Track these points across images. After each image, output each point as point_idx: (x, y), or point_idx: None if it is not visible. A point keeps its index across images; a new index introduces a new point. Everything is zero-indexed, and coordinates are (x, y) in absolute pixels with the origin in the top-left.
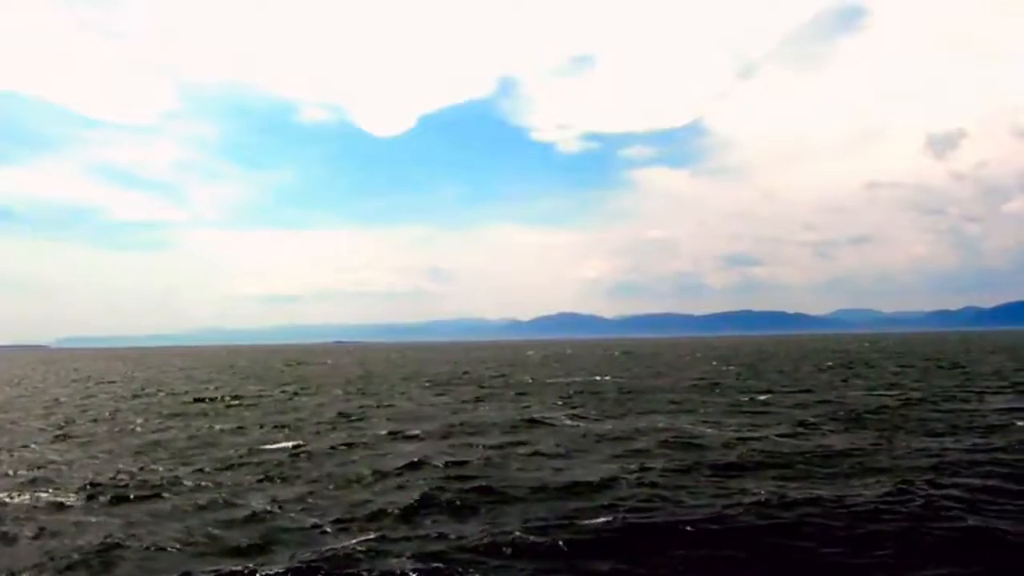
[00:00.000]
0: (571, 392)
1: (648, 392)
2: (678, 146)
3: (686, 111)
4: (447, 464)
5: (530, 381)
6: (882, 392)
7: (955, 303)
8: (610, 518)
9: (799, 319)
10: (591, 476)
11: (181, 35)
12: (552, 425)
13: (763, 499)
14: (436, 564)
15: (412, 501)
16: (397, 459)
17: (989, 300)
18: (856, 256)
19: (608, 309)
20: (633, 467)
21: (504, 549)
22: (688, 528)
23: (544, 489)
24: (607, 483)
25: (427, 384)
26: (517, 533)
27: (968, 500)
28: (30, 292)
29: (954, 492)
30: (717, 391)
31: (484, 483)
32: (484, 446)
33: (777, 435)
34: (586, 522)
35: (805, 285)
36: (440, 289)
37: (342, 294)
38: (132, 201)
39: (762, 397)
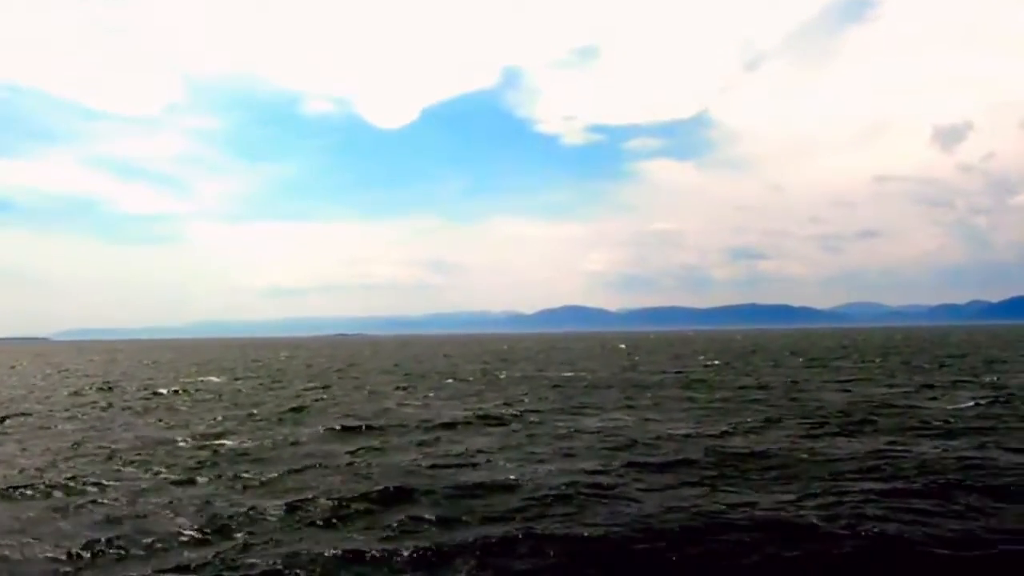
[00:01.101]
0: (540, 386)
1: (619, 387)
2: (684, 138)
3: (692, 103)
4: (354, 463)
5: (503, 377)
6: (850, 388)
7: (962, 297)
8: (507, 525)
9: (805, 312)
10: (503, 476)
11: (184, 27)
12: (501, 422)
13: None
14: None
15: (294, 503)
16: (311, 459)
17: (996, 294)
18: (863, 250)
19: (613, 302)
20: (553, 468)
21: (370, 554)
22: (585, 533)
23: (451, 488)
24: (516, 484)
25: (403, 375)
26: (388, 535)
27: (875, 507)
28: (31, 285)
29: (859, 498)
30: (696, 387)
31: (389, 484)
32: (416, 443)
33: (721, 432)
34: (470, 527)
35: (811, 278)
36: (443, 282)
37: (346, 287)
38: (135, 194)
39: (728, 394)
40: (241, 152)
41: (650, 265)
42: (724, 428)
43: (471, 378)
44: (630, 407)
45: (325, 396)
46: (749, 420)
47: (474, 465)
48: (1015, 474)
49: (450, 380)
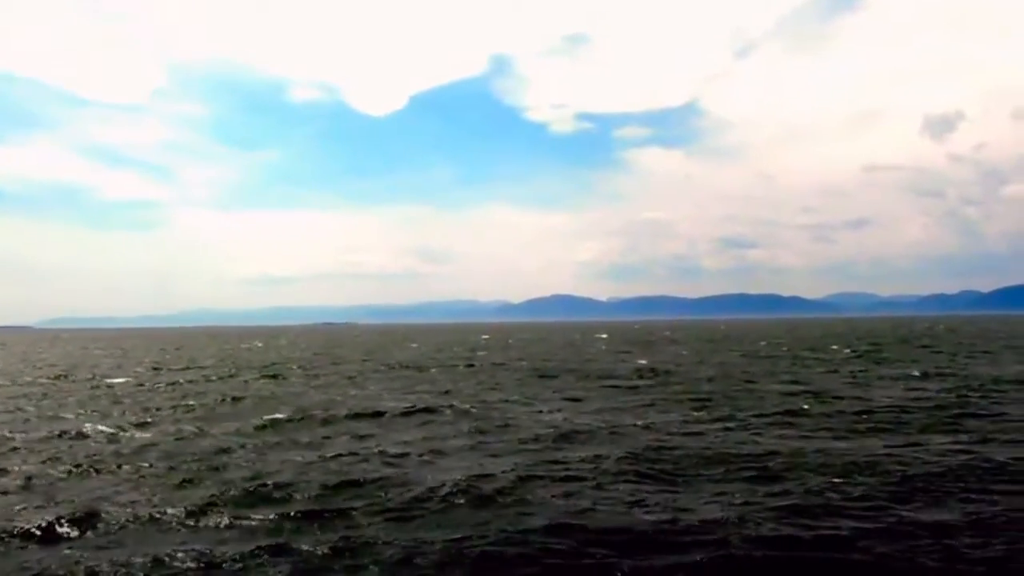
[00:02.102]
0: (500, 376)
1: (576, 377)
2: (674, 127)
3: (682, 91)
4: (252, 458)
5: (463, 368)
6: (799, 383)
7: (953, 287)
8: (366, 528)
9: (795, 302)
10: (396, 471)
11: (170, 14)
12: (435, 413)
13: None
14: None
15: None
16: (203, 455)
17: (987, 284)
18: (853, 239)
19: (602, 291)
20: (458, 464)
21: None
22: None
23: (336, 484)
24: (407, 481)
25: (364, 366)
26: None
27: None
28: (15, 272)
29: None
30: (649, 377)
31: (270, 480)
32: (334, 435)
33: (647, 424)
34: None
35: (802, 268)
36: (433, 270)
37: (334, 275)
38: (121, 181)
39: (678, 387)
40: (228, 139)
41: (640, 254)
42: (652, 421)
43: (433, 368)
44: (575, 399)
45: (274, 388)
46: (678, 414)
47: (373, 459)
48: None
49: (410, 370)
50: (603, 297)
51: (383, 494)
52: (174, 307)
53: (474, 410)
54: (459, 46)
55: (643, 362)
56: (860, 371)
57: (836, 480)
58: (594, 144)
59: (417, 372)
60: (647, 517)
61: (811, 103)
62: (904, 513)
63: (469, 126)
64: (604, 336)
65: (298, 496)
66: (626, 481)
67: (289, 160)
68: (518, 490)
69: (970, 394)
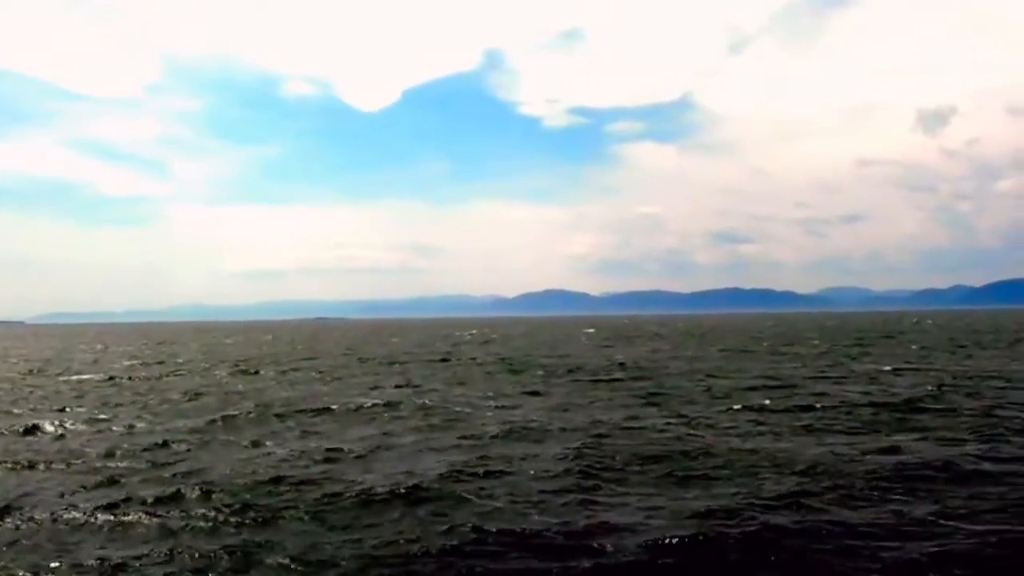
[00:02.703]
0: (472, 372)
1: (534, 370)
2: (667, 121)
3: (676, 86)
4: (181, 456)
5: (440, 360)
6: (766, 378)
7: (945, 281)
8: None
9: (788, 297)
10: (322, 472)
11: (163, 7)
12: (393, 409)
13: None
14: None
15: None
16: (133, 454)
17: (979, 278)
18: (847, 234)
19: (595, 286)
20: (390, 468)
21: None
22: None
23: (256, 484)
24: (325, 480)
25: (335, 361)
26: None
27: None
28: (8, 267)
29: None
30: (616, 372)
31: (191, 482)
32: (282, 431)
33: (594, 421)
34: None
35: (795, 263)
36: (426, 265)
37: (327, 270)
38: (115, 176)
39: (645, 383)
40: (221, 134)
41: (633, 249)
42: (602, 418)
43: (408, 363)
44: (538, 394)
45: (243, 383)
46: (632, 411)
47: (312, 457)
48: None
49: (384, 365)
50: (596, 292)
51: (304, 493)
52: (168, 302)
53: (433, 405)
54: (452, 40)
55: (619, 357)
56: (828, 365)
57: (765, 478)
58: (587, 139)
59: (390, 367)
60: (567, 518)
61: (805, 98)
62: (821, 512)
63: (462, 121)
64: (591, 331)
65: (219, 494)
66: (556, 479)
67: (283, 155)
68: (444, 489)
69: (931, 390)
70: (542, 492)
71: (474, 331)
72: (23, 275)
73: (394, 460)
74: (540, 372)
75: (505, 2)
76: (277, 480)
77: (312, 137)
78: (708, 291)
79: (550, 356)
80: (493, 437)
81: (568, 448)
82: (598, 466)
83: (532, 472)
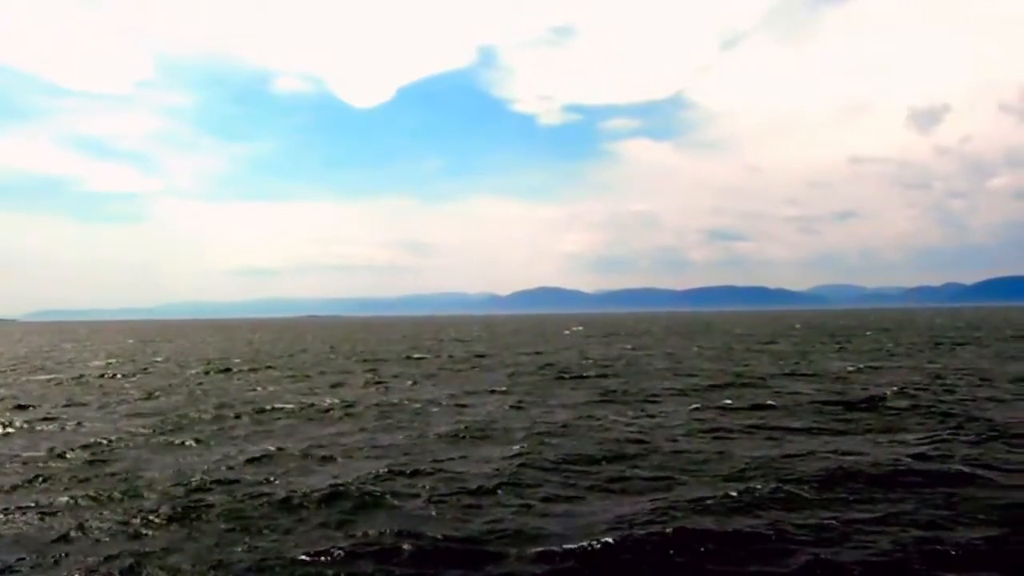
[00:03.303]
0: (425, 371)
1: (502, 368)
2: (661, 118)
3: (670, 83)
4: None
5: (417, 357)
6: (734, 369)
7: (937, 279)
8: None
9: (780, 294)
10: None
11: (156, 3)
12: (331, 412)
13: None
14: None
15: None
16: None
17: (971, 276)
18: (840, 231)
19: (589, 283)
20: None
21: None
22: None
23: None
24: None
25: (302, 360)
26: None
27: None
28: (0, 265)
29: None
30: (577, 369)
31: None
32: (225, 434)
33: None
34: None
35: (788, 260)
36: (420, 263)
37: (321, 267)
38: (106, 172)
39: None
40: (213, 130)
41: (627, 246)
42: (559, 417)
43: (381, 363)
44: (500, 392)
45: (211, 382)
46: (582, 411)
47: (245, 461)
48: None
49: (358, 364)
50: (590, 289)
51: (228, 494)
52: (161, 299)
53: (393, 404)
54: (446, 37)
55: (594, 355)
56: (802, 363)
57: (703, 480)
58: (581, 136)
59: (364, 365)
60: (489, 522)
61: (798, 95)
62: (748, 516)
63: (456, 118)
64: (579, 328)
65: (142, 495)
66: (489, 480)
67: (275, 151)
68: (371, 491)
69: (895, 389)
70: (470, 494)
71: (462, 329)
72: (14, 272)
73: (334, 461)
74: (510, 370)
75: (498, 0)
76: (206, 481)
77: (305, 134)
78: (702, 288)
79: (527, 354)
80: (440, 437)
81: (510, 448)
82: (535, 467)
83: (466, 473)
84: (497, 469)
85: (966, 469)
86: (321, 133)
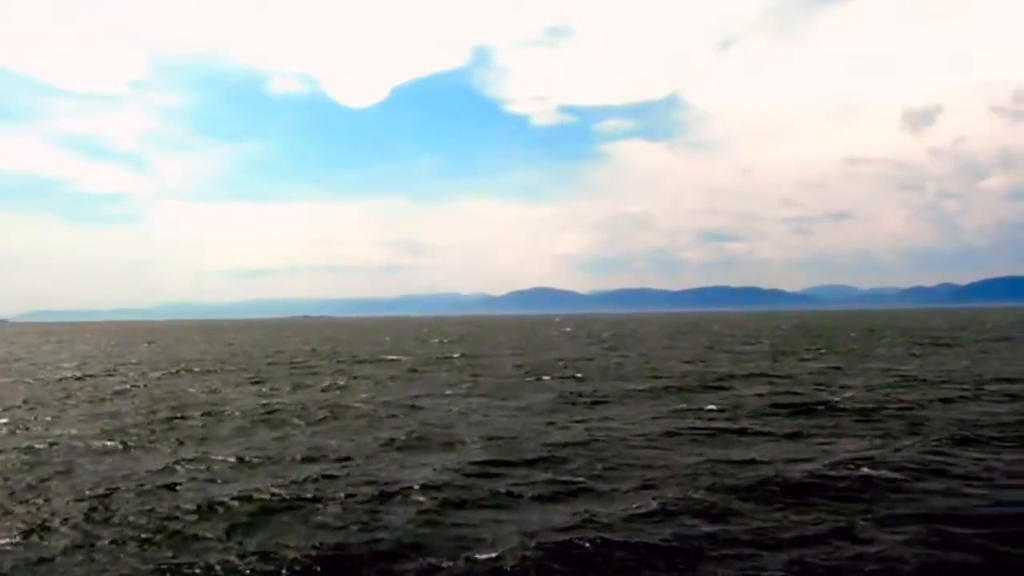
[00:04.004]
0: (389, 373)
1: (463, 371)
2: (656, 119)
3: (664, 84)
4: None
5: (388, 361)
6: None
7: (931, 280)
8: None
9: (774, 295)
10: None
11: (150, 3)
12: (286, 418)
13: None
14: None
15: None
16: None
17: (965, 277)
18: (834, 232)
19: (583, 284)
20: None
21: None
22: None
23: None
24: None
25: (270, 363)
26: None
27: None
28: None
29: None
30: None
31: None
32: (157, 441)
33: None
34: None
35: (782, 261)
36: (414, 263)
37: (315, 268)
38: (99, 173)
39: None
40: (207, 130)
41: (621, 247)
42: (503, 423)
43: (365, 363)
44: (462, 395)
45: (168, 386)
46: (529, 415)
47: (156, 471)
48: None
49: (334, 364)
50: (584, 290)
51: (128, 504)
52: (154, 300)
53: (343, 408)
54: (441, 37)
55: (569, 355)
56: (767, 365)
57: (613, 485)
58: (576, 136)
59: (335, 366)
60: (395, 535)
61: (792, 96)
62: (675, 524)
63: (450, 118)
64: (568, 329)
65: (36, 502)
66: (419, 491)
67: (269, 152)
68: (279, 502)
69: (854, 393)
70: (391, 501)
71: (448, 330)
72: (7, 273)
73: (264, 466)
74: (480, 371)
75: (493, 0)
76: (127, 487)
77: (299, 134)
78: (696, 289)
79: (504, 355)
80: (385, 441)
81: (451, 453)
82: (469, 472)
83: (395, 479)
84: (429, 475)
85: (900, 476)
86: (315, 133)
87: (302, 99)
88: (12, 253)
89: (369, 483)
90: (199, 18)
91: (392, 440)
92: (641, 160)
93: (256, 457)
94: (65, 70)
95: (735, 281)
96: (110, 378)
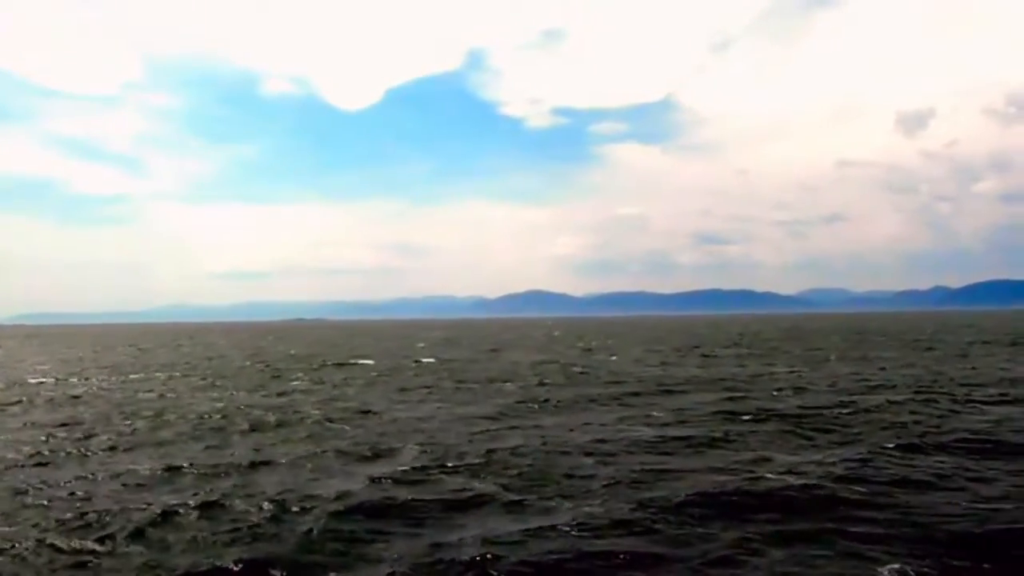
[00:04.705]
0: (346, 378)
1: (428, 375)
2: (650, 122)
3: (659, 86)
4: None
5: (359, 365)
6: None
7: (925, 282)
8: None
9: (769, 298)
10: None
11: (144, 4)
12: (228, 425)
13: None
14: None
15: None
16: None
17: (958, 280)
18: (827, 235)
19: (577, 287)
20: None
21: None
22: None
23: None
24: None
25: (227, 367)
26: None
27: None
28: None
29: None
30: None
31: None
32: (85, 451)
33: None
34: None
35: (776, 264)
36: (409, 265)
37: (309, 270)
38: (93, 174)
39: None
40: (201, 132)
41: (616, 250)
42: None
43: (327, 367)
44: (419, 401)
45: (120, 391)
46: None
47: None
48: None
49: (302, 368)
50: (578, 293)
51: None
52: (148, 302)
53: (285, 418)
54: (435, 40)
55: (541, 358)
56: (729, 370)
57: (537, 498)
58: (570, 139)
59: (304, 370)
60: (287, 551)
61: (787, 99)
62: (581, 540)
63: (445, 121)
64: (557, 334)
65: None
66: (312, 502)
67: (263, 154)
68: (161, 524)
69: (804, 402)
70: (298, 516)
71: (437, 333)
72: (0, 275)
73: (175, 478)
74: (444, 376)
75: (487, 2)
76: (16, 500)
77: (293, 136)
78: (690, 292)
79: (476, 360)
80: (320, 452)
81: (377, 464)
82: (397, 482)
83: (313, 492)
84: (350, 484)
85: (827, 485)
86: (309, 135)
87: (296, 101)
88: (5, 255)
89: (285, 493)
90: (193, 20)
91: (326, 450)
92: (636, 163)
93: (183, 465)
94: (59, 71)
95: (729, 284)
96: (72, 381)
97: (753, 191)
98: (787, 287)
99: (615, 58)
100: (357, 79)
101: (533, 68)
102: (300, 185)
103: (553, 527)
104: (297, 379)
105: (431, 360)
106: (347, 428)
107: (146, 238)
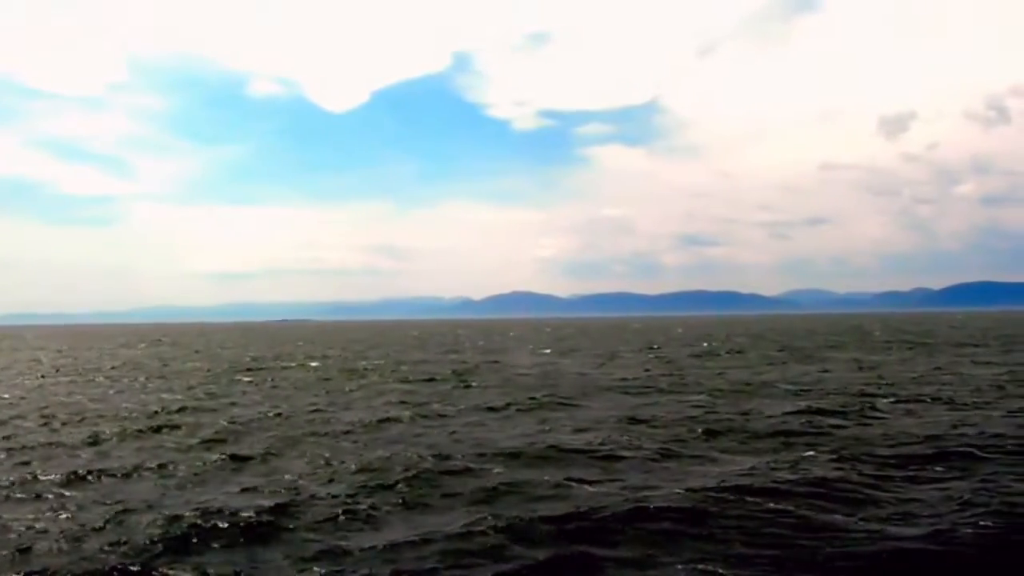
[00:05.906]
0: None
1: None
2: (635, 124)
3: (644, 89)
4: None
5: (314, 364)
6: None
7: (906, 284)
8: None
9: (753, 299)
10: None
11: (128, 5)
12: (178, 424)
13: None
14: None
15: None
16: None
17: (939, 281)
18: (811, 237)
19: (563, 288)
20: None
21: None
22: None
23: None
24: None
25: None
26: None
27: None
28: None
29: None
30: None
31: None
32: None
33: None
34: None
35: (760, 265)
36: (394, 267)
37: (295, 272)
38: (78, 175)
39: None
40: (187, 133)
41: (601, 251)
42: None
43: (288, 369)
44: (345, 407)
45: (63, 393)
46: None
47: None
48: None
49: (258, 371)
50: (564, 294)
51: None
52: (134, 303)
53: (221, 423)
54: (421, 42)
55: (492, 359)
56: (679, 371)
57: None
58: (556, 141)
59: (251, 372)
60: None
61: (771, 102)
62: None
63: (431, 122)
64: (549, 331)
65: None
66: (215, 515)
67: (249, 155)
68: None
69: (696, 411)
70: (136, 528)
71: (415, 334)
72: None
73: (61, 487)
74: (378, 377)
75: (473, 4)
76: None
77: (279, 138)
78: (674, 293)
79: (427, 361)
80: (211, 462)
81: (252, 473)
82: (265, 494)
83: (167, 506)
84: (219, 497)
85: (710, 500)
86: (295, 137)
87: (282, 102)
88: None
89: (143, 508)
90: (178, 21)
91: (216, 458)
92: (621, 165)
93: (72, 473)
94: (43, 71)
95: (714, 285)
96: (7, 383)
97: (737, 193)
98: (771, 288)
99: (601, 61)
100: (344, 81)
101: (519, 70)
102: (286, 187)
103: (396, 542)
104: (235, 383)
105: (380, 362)
106: (256, 432)
107: (132, 239)
